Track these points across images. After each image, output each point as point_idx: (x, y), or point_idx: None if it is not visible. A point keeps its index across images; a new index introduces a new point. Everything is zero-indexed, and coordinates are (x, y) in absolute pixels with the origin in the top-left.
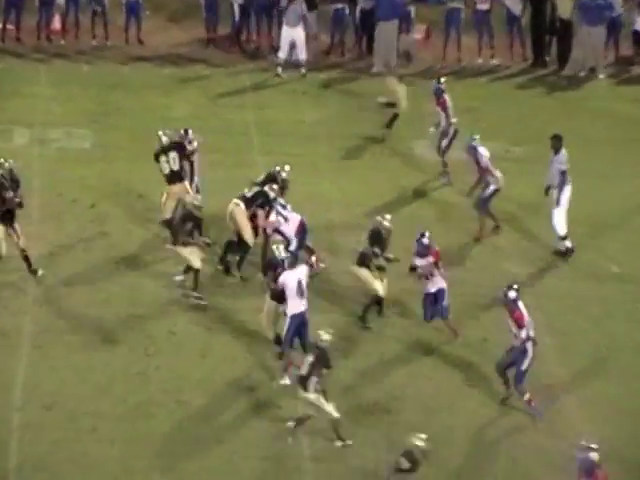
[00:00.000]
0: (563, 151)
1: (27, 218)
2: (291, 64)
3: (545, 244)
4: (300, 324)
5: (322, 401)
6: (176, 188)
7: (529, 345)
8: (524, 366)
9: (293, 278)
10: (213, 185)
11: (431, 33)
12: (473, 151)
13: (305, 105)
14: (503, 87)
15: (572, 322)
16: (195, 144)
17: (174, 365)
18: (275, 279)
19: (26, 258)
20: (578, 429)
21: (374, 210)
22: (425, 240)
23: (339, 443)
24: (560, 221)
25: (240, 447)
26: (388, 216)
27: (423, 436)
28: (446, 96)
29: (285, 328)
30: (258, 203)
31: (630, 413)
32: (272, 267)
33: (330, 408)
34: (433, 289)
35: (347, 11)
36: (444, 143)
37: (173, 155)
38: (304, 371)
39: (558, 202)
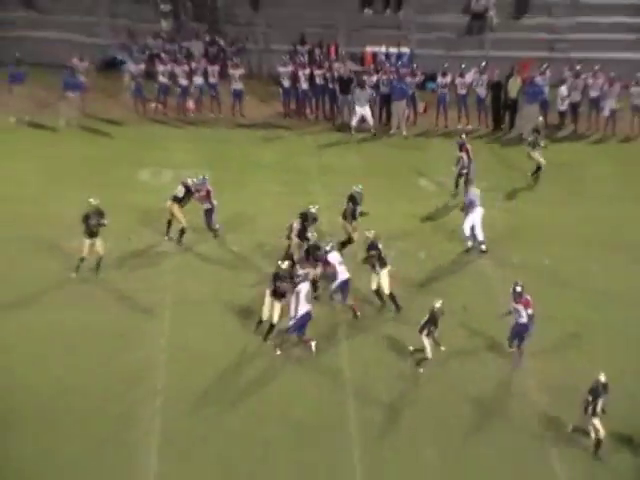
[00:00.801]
0: (474, 189)
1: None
2: (360, 129)
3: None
4: (345, 285)
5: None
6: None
7: (532, 319)
8: (532, 330)
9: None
10: (285, 207)
11: (428, 108)
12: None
13: (348, 154)
14: (476, 143)
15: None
16: (205, 187)
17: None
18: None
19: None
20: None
21: (396, 223)
22: (518, 289)
23: (421, 370)
24: (466, 229)
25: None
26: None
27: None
28: (468, 145)
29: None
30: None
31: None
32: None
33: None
34: (521, 320)
35: (374, 94)
36: (463, 173)
37: (181, 189)
38: (423, 322)
39: (472, 219)
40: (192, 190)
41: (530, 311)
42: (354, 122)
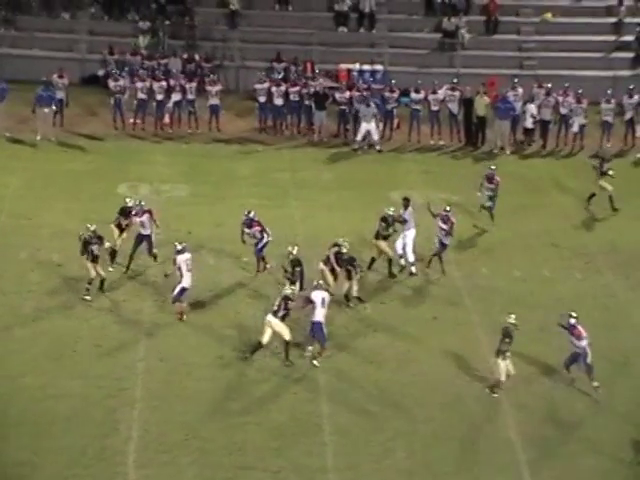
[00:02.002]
0: (410, 208)
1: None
2: (364, 144)
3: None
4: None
5: (506, 367)
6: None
7: (588, 349)
8: (589, 360)
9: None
10: (263, 220)
11: (400, 124)
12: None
13: (323, 168)
14: (447, 158)
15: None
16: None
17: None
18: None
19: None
20: None
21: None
22: (572, 320)
23: (495, 395)
24: (398, 247)
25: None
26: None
27: (513, 316)
28: (498, 177)
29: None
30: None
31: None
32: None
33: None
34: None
35: (347, 110)
36: (489, 204)
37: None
38: (501, 346)
39: (405, 238)
40: (130, 213)
41: (583, 342)
42: (359, 137)
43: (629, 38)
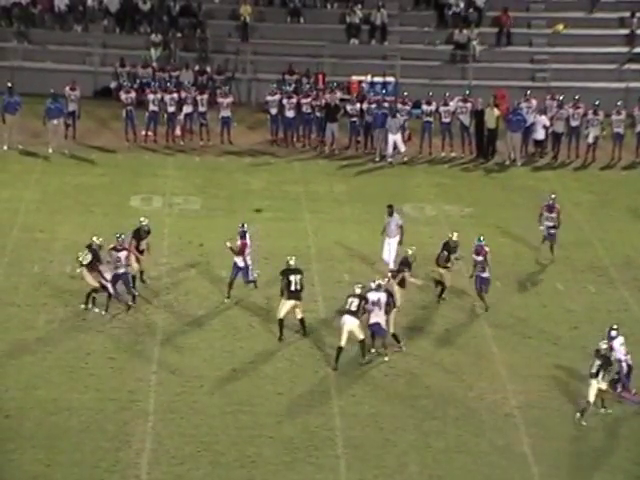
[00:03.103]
0: (395, 215)
1: (160, 251)
2: (395, 154)
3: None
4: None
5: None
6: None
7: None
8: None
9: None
10: (275, 232)
11: (412, 137)
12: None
13: (334, 181)
14: (459, 170)
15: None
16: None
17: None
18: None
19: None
20: None
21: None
22: (613, 332)
23: (583, 421)
24: (386, 255)
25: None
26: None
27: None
28: (557, 205)
29: None
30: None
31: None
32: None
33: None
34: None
35: (358, 122)
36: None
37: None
38: (594, 369)
39: (399, 243)
40: (98, 253)
41: (622, 355)
42: (390, 150)
43: None
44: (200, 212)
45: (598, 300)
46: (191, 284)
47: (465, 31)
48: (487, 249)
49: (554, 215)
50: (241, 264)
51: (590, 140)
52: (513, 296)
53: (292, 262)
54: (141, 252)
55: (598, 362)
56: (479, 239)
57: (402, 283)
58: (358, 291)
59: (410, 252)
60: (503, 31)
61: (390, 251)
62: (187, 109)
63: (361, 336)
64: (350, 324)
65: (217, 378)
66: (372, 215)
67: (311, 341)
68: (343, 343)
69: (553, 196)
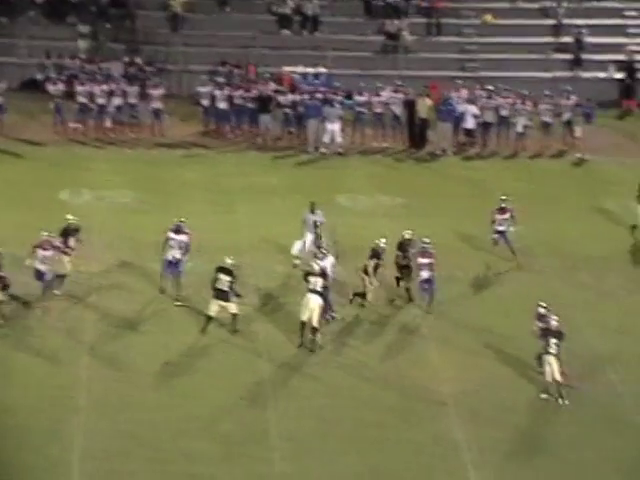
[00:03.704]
0: (318, 212)
1: (89, 245)
2: (331, 146)
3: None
4: None
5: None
6: None
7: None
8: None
9: None
10: (209, 225)
11: (344, 127)
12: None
13: (268, 172)
14: (391, 161)
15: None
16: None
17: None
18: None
19: None
20: None
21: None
22: (541, 310)
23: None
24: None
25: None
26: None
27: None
28: (511, 207)
29: None
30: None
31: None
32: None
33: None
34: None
35: (291, 113)
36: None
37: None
38: (553, 349)
39: (305, 239)
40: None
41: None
42: (326, 139)
43: (568, 40)
44: (131, 205)
45: (528, 288)
46: (124, 278)
47: (396, 21)
48: (434, 251)
49: (506, 217)
50: (172, 258)
51: (519, 129)
52: (445, 284)
53: (228, 261)
54: (69, 251)
55: (554, 340)
56: (424, 240)
57: (366, 271)
58: (317, 269)
59: (382, 244)
60: (433, 21)
61: (305, 244)
62: (117, 101)
63: (316, 322)
64: (314, 303)
65: (151, 372)
66: (306, 206)
67: (246, 334)
68: (305, 318)
69: (504, 197)
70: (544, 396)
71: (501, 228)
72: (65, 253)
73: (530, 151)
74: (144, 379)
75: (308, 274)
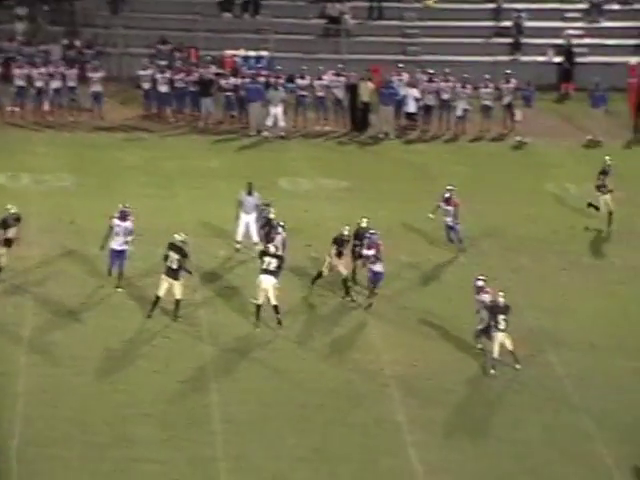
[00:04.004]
0: (256, 193)
1: (28, 230)
2: (274, 130)
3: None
4: None
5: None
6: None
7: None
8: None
9: None
10: (150, 208)
11: (286, 110)
12: None
13: (209, 156)
14: (334, 144)
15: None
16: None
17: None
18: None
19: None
20: None
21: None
22: (479, 282)
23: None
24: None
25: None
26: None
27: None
28: (456, 199)
29: None
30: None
31: None
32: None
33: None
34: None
35: (233, 97)
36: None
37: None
38: (502, 325)
39: (257, 220)
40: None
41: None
42: (269, 122)
43: (508, 24)
44: (71, 189)
45: (469, 270)
46: (63, 263)
47: (337, 5)
48: (380, 242)
49: (450, 208)
50: (118, 247)
51: (459, 113)
52: (387, 268)
53: (179, 237)
54: (8, 242)
55: (502, 316)
56: (370, 231)
57: (340, 254)
58: (273, 250)
59: (346, 232)
60: (375, 5)
61: (250, 228)
62: (56, 84)
63: (274, 301)
64: (267, 283)
65: (91, 358)
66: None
67: (188, 318)
68: (261, 301)
69: (449, 187)
70: (493, 372)
71: (450, 222)
72: (5, 245)
73: (471, 134)
74: (85, 365)
75: (264, 254)
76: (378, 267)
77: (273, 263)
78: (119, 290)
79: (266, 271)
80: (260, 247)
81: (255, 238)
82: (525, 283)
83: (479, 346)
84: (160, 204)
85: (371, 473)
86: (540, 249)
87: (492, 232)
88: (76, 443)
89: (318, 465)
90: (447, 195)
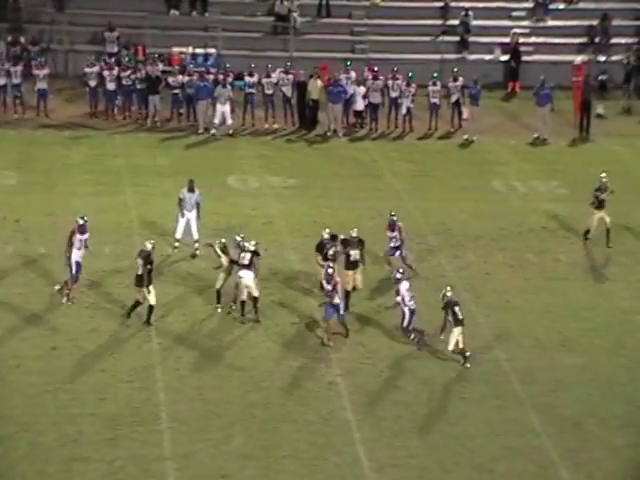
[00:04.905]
0: (197, 191)
1: None
2: (219, 127)
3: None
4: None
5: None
6: None
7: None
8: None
9: None
10: (96, 206)
11: (234, 108)
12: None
13: (157, 154)
14: (282, 142)
15: None
16: None
17: None
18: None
19: None
20: None
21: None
22: (398, 275)
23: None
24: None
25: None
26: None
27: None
28: (400, 223)
29: None
30: None
31: None
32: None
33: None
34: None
35: (180, 94)
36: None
37: None
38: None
39: (198, 217)
40: None
41: (407, 299)
42: (217, 120)
43: (455, 22)
44: (16, 187)
45: (417, 267)
46: (8, 262)
47: (286, 2)
48: (338, 279)
49: (396, 234)
50: (80, 259)
51: (403, 111)
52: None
53: (149, 245)
54: None
55: (457, 308)
56: (329, 267)
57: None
58: (249, 246)
59: (326, 235)
60: (323, 3)
61: (191, 225)
62: (0, 81)
63: (256, 293)
64: (247, 279)
65: (36, 357)
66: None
67: (134, 316)
68: (245, 297)
69: (393, 213)
70: (468, 365)
71: (393, 244)
72: None
73: (418, 132)
74: (29, 364)
75: (242, 250)
76: (336, 299)
77: (247, 256)
78: (56, 288)
79: (243, 266)
80: (177, 245)
81: (196, 235)
82: (472, 280)
83: (412, 337)
84: (106, 202)
85: (320, 470)
86: (486, 246)
87: (439, 229)
88: (21, 444)
89: (266, 463)
90: (391, 220)
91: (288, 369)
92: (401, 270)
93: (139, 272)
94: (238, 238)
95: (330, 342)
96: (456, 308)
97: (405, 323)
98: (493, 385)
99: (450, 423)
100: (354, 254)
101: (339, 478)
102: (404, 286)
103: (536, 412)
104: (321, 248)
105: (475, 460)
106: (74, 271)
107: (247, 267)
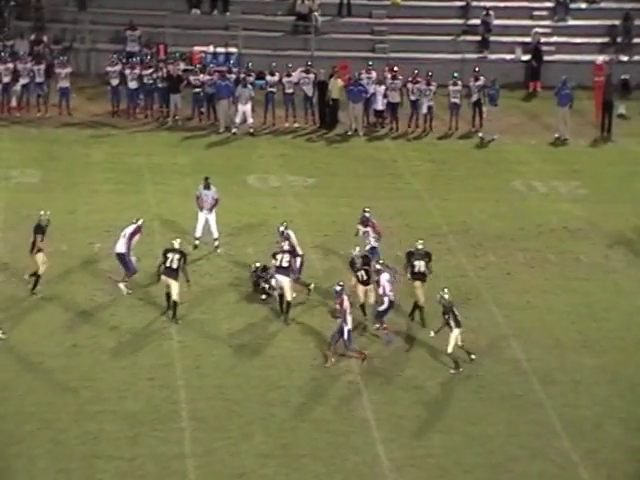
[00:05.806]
0: (213, 188)
1: None
2: (243, 126)
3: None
4: None
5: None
6: None
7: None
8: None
9: None
10: (117, 205)
11: (255, 107)
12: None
13: (177, 152)
14: (302, 141)
15: None
16: None
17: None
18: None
19: None
20: None
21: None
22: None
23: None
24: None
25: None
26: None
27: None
28: (373, 220)
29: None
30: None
31: None
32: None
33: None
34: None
35: (201, 93)
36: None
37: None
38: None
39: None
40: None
41: (388, 290)
42: (238, 120)
43: (476, 22)
44: (38, 185)
45: (437, 267)
46: (29, 259)
47: (307, 2)
48: (345, 297)
49: (367, 230)
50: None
51: (424, 110)
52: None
53: (176, 244)
54: None
55: (456, 309)
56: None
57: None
58: (286, 246)
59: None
60: (344, 3)
61: (210, 224)
62: (23, 80)
63: (289, 297)
64: (281, 281)
65: (57, 354)
66: (216, 187)
67: (154, 314)
68: (289, 297)
69: (367, 209)
70: (452, 371)
71: (374, 244)
72: None
73: (438, 132)
74: (50, 361)
75: (275, 253)
76: (348, 326)
77: (286, 258)
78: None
79: (279, 268)
80: (197, 243)
81: (215, 234)
82: (492, 280)
83: (382, 325)
84: (127, 200)
85: (338, 469)
86: (507, 246)
87: (459, 229)
88: (42, 441)
89: (285, 462)
90: (363, 217)
91: (308, 368)
92: (381, 261)
93: (174, 266)
94: (281, 228)
95: (327, 363)
96: (455, 310)
97: (381, 309)
98: (512, 385)
99: (469, 423)
100: (418, 265)
101: (358, 477)
102: (384, 277)
103: (556, 413)
104: (353, 265)
105: (494, 460)
106: (134, 264)
107: (284, 270)
